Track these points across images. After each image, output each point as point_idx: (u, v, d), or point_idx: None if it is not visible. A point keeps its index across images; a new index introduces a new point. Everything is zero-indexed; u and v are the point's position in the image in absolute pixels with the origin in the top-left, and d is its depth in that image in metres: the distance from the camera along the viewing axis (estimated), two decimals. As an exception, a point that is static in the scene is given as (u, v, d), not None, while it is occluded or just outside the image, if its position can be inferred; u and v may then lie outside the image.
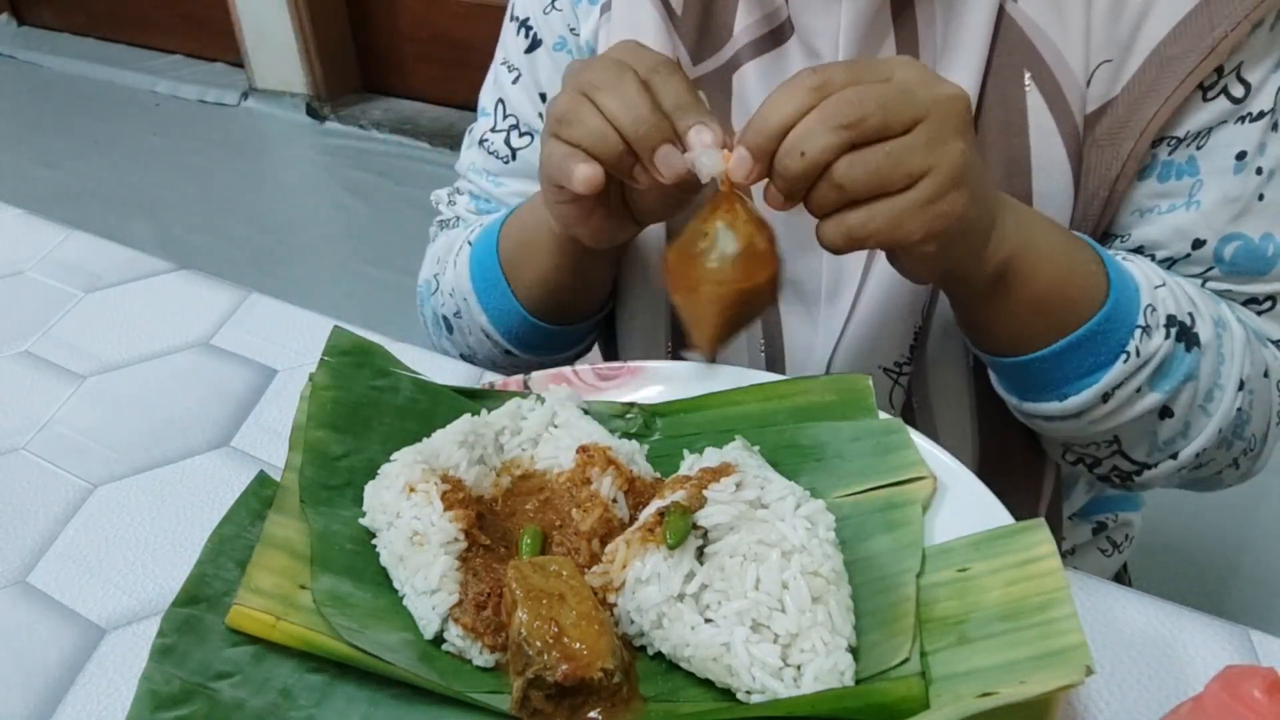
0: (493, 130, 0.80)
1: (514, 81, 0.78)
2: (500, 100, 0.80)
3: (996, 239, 0.55)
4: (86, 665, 0.52)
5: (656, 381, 0.62)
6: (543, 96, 0.77)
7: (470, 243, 0.75)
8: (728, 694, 0.46)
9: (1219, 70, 0.59)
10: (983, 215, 0.54)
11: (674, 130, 0.53)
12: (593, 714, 0.44)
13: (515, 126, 0.79)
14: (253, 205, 2.79)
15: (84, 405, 0.71)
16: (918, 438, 0.55)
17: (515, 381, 0.63)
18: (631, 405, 0.61)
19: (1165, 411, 0.61)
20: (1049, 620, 0.44)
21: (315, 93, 3.16)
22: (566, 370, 0.63)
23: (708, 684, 0.46)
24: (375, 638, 0.47)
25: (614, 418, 0.60)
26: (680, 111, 0.53)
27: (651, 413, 0.60)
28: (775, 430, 0.57)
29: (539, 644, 0.44)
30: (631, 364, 0.63)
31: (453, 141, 2.92)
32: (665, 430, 0.60)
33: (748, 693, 0.44)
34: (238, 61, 3.31)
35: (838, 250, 0.52)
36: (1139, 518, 0.88)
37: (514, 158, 0.80)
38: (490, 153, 0.81)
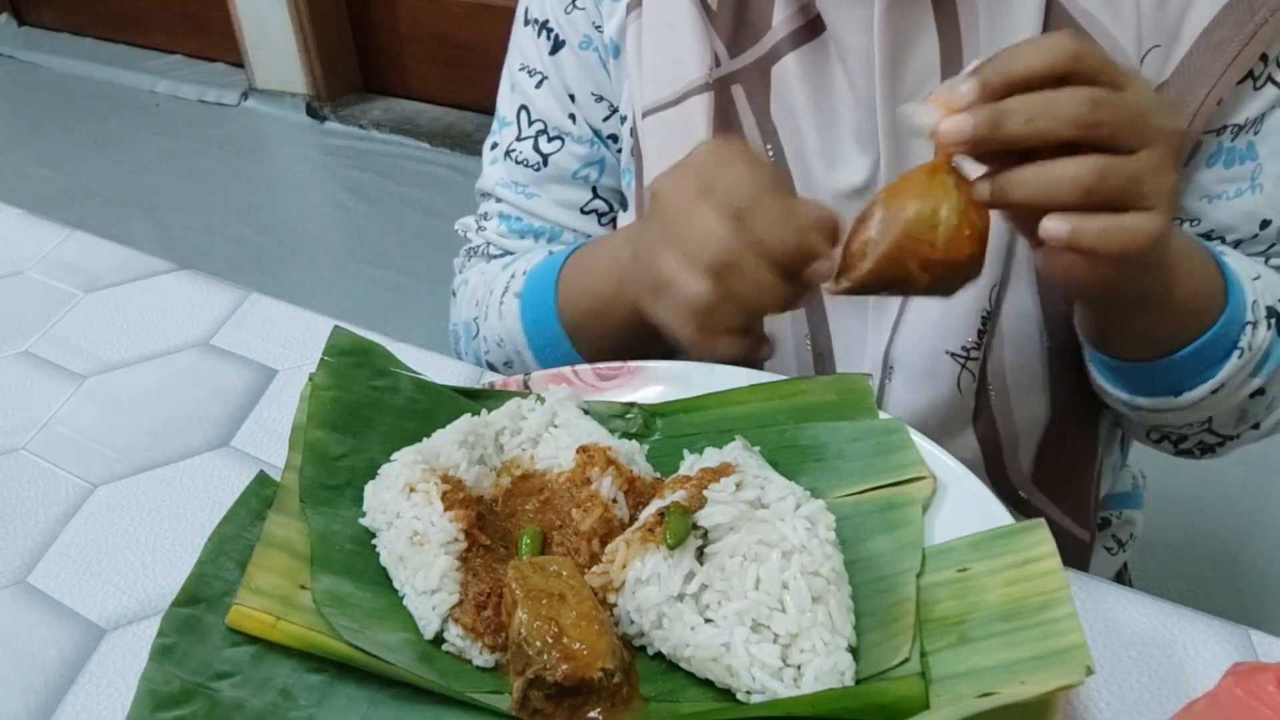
0: (518, 139, 0.79)
1: (538, 86, 0.77)
2: (523, 107, 0.78)
3: (1163, 258, 0.54)
4: (86, 665, 0.52)
5: (656, 381, 0.62)
6: (572, 98, 0.76)
7: (519, 295, 0.74)
8: (728, 694, 0.46)
9: (1264, 59, 0.61)
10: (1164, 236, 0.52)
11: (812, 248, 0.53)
12: (593, 714, 0.44)
13: (543, 132, 0.78)
14: (253, 205, 2.79)
15: (84, 405, 0.71)
16: (918, 438, 0.55)
17: (515, 381, 0.63)
18: (631, 405, 0.61)
19: (1259, 392, 0.64)
20: (1049, 620, 0.44)
21: (315, 93, 3.16)
22: (566, 370, 0.63)
23: (708, 684, 0.46)
24: (375, 638, 0.47)
25: (614, 418, 0.60)
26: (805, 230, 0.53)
27: (651, 413, 0.60)
28: (775, 430, 0.57)
29: (539, 644, 0.44)
30: (631, 364, 0.63)
31: (453, 141, 2.92)
32: (665, 430, 0.60)
33: (748, 693, 0.44)
34: (238, 61, 3.31)
35: (1037, 241, 0.50)
36: (1141, 516, 0.88)
37: (545, 163, 0.78)
38: (519, 162, 0.79)
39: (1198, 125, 0.62)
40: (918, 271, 0.50)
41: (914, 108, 0.49)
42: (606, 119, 0.77)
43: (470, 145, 2.88)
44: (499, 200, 0.82)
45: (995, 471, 0.73)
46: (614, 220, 0.81)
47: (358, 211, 2.72)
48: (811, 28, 0.66)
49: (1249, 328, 0.60)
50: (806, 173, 0.68)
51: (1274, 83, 0.62)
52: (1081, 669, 0.39)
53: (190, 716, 0.45)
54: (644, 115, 0.71)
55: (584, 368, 0.63)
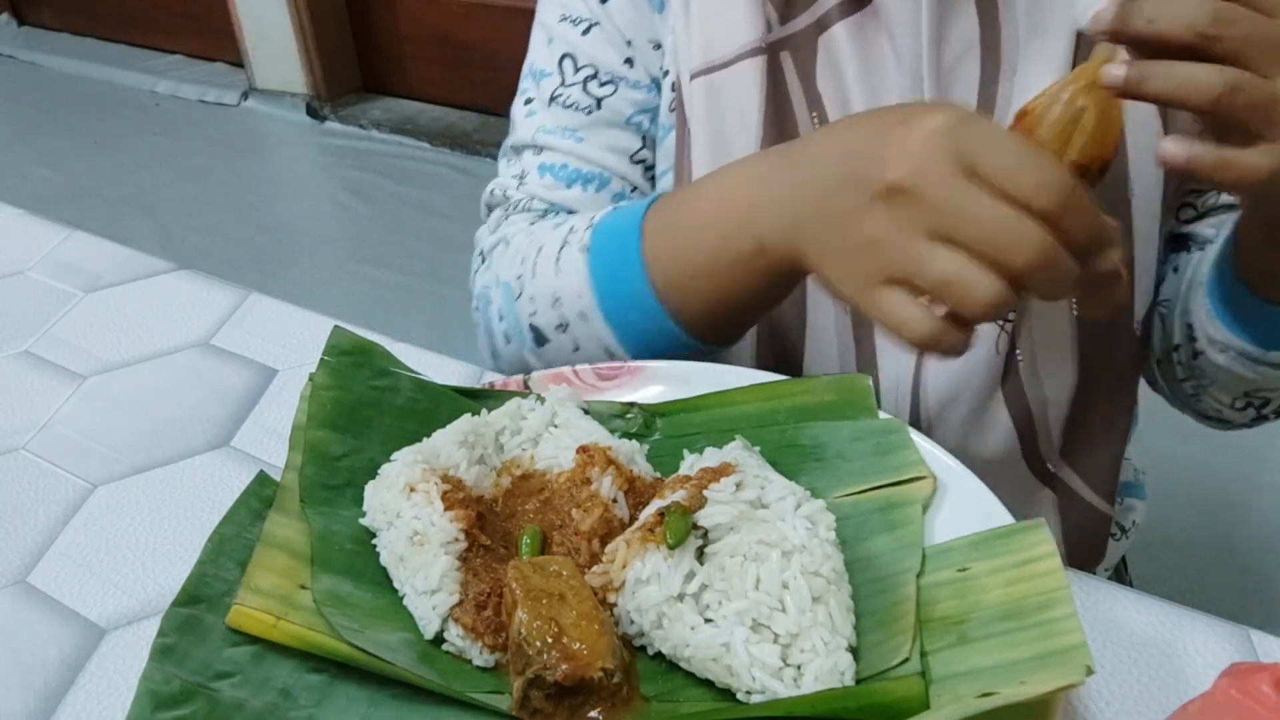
0: (563, 85, 0.75)
1: (585, 32, 0.74)
2: (566, 55, 0.75)
3: None
4: (86, 665, 0.52)
5: (656, 381, 0.62)
6: (629, 44, 0.74)
7: (586, 250, 0.66)
8: (728, 694, 0.46)
9: None
10: None
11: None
12: (593, 714, 0.44)
13: (593, 77, 0.74)
14: (253, 205, 2.79)
15: (84, 405, 0.71)
16: (918, 437, 0.55)
17: (515, 381, 0.63)
18: (631, 405, 0.61)
19: None
20: (1049, 620, 0.44)
21: (315, 93, 3.16)
22: (566, 370, 0.63)
23: (708, 684, 0.46)
24: (375, 638, 0.47)
25: (614, 418, 0.60)
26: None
27: (651, 413, 0.60)
28: (775, 430, 0.57)
29: (539, 644, 0.44)
30: (631, 364, 0.63)
31: (452, 141, 2.92)
32: (665, 430, 0.60)
33: (748, 693, 0.44)
34: (238, 61, 3.31)
35: (1178, 171, 0.48)
36: (1143, 506, 0.88)
37: (599, 106, 0.74)
38: (568, 106, 0.75)
39: None
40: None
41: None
42: (658, 50, 0.74)
43: (470, 145, 2.88)
44: (540, 151, 0.76)
45: (1027, 444, 0.72)
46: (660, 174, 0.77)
47: (358, 211, 2.73)
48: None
49: None
50: None
51: None
52: (1081, 669, 0.39)
53: (190, 716, 0.45)
54: (691, 77, 0.70)
55: (584, 368, 0.63)
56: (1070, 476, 0.74)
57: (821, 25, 0.67)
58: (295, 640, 0.47)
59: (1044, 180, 0.45)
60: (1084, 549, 0.77)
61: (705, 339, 0.64)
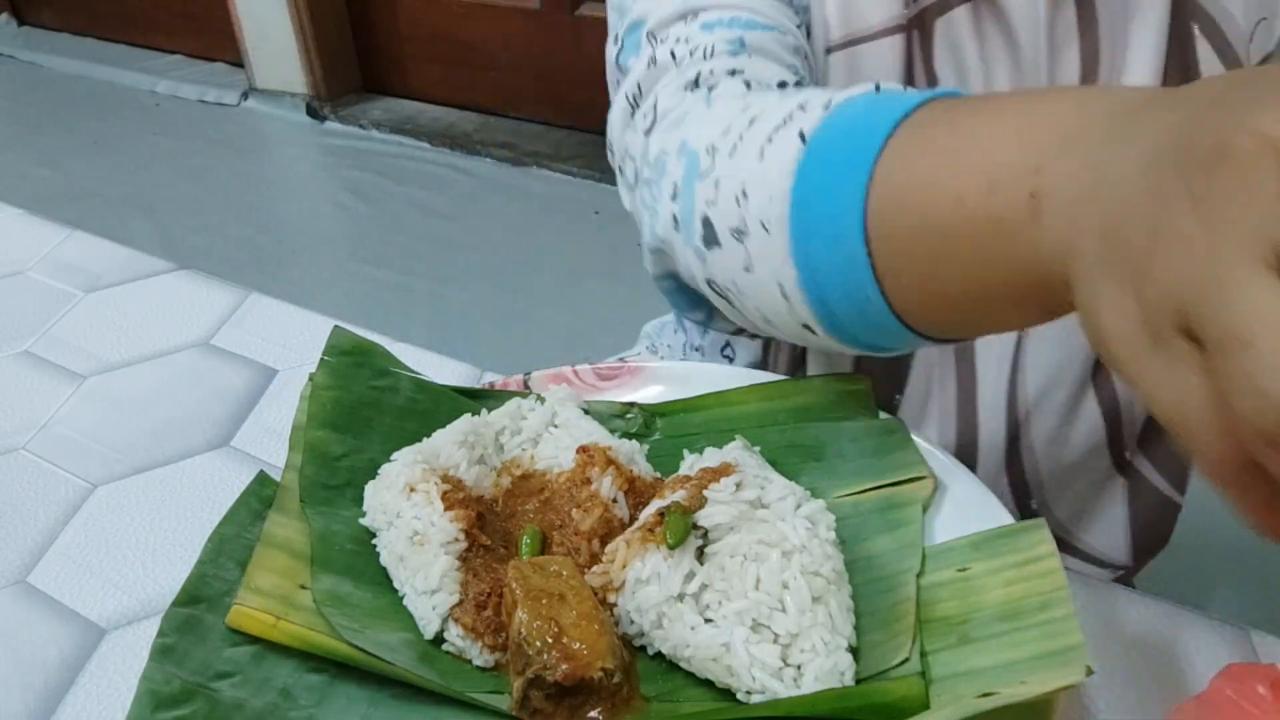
0: None
1: None
2: None
3: None
4: (86, 665, 0.52)
5: (656, 381, 0.62)
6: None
7: (804, 137, 0.45)
8: (728, 694, 0.46)
9: None
10: None
11: None
12: (593, 714, 0.44)
13: None
14: (253, 205, 2.79)
15: (84, 405, 0.71)
16: (918, 438, 0.55)
17: (515, 381, 0.63)
18: (631, 405, 0.61)
19: None
20: (1049, 620, 0.44)
21: (315, 93, 3.16)
22: (566, 370, 0.63)
23: (708, 684, 0.46)
24: (375, 638, 0.47)
25: (614, 418, 0.60)
26: None
27: (651, 413, 0.60)
28: (775, 430, 0.57)
29: (539, 644, 0.44)
30: (632, 364, 0.63)
31: (452, 141, 2.92)
32: (665, 430, 0.60)
33: (748, 693, 0.44)
34: (238, 61, 3.31)
35: None
36: None
37: None
38: None
39: None
40: None
41: None
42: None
43: (470, 145, 2.88)
44: (695, 15, 0.58)
45: (1113, 434, 0.72)
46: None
47: (358, 211, 2.72)
48: None
49: None
50: None
51: None
52: (1081, 669, 0.39)
53: (190, 716, 0.45)
54: (828, 51, 0.63)
55: (584, 368, 0.63)
56: (1144, 465, 0.74)
57: (943, 6, 0.65)
58: (295, 640, 0.47)
59: None
60: (1149, 537, 0.77)
61: (916, 324, 0.45)
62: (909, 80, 0.65)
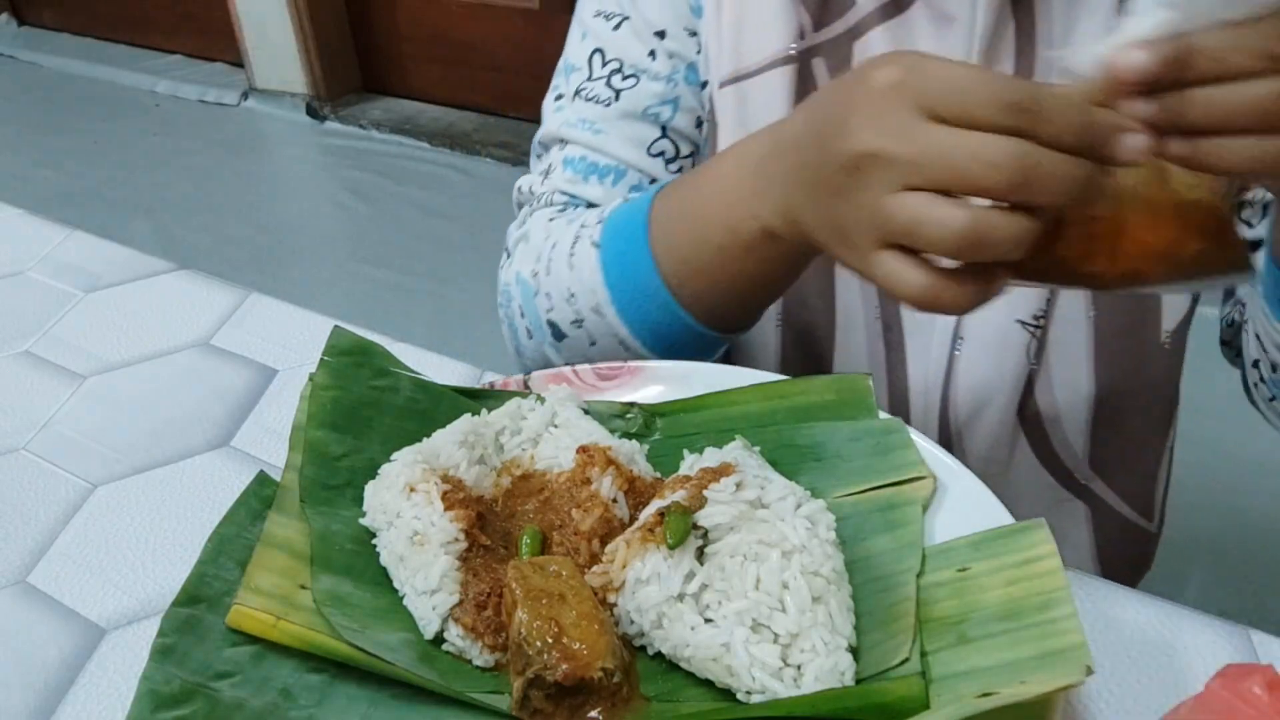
0: (589, 80, 0.75)
1: (616, 28, 0.74)
2: (597, 50, 0.75)
3: None
4: (86, 665, 0.52)
5: (656, 381, 0.62)
6: (660, 35, 0.73)
7: (597, 245, 0.65)
8: (728, 694, 0.46)
9: None
10: None
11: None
12: (593, 714, 0.44)
13: (618, 70, 0.74)
14: (253, 205, 2.79)
15: (84, 405, 0.71)
16: (918, 438, 0.55)
17: (515, 381, 0.63)
18: (631, 405, 0.61)
19: None
20: (1049, 620, 0.44)
21: (315, 93, 3.16)
22: (566, 370, 0.63)
23: (708, 684, 0.46)
24: (375, 638, 0.47)
25: (614, 418, 0.60)
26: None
27: (651, 413, 0.60)
28: (775, 430, 0.57)
29: (539, 644, 0.44)
30: (632, 364, 0.63)
31: (452, 141, 2.92)
32: (665, 430, 0.60)
33: (748, 693, 0.44)
34: (238, 61, 3.31)
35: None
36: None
37: (617, 98, 0.73)
38: (589, 100, 0.75)
39: None
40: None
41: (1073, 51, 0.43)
42: (700, 53, 0.74)
43: (470, 145, 2.89)
44: (564, 145, 0.76)
45: (1042, 449, 0.72)
46: (681, 166, 0.76)
47: (358, 211, 2.73)
48: (898, 3, 0.66)
49: None
50: None
51: None
52: (1081, 669, 0.39)
53: (190, 716, 0.45)
54: (720, 85, 0.70)
55: (584, 368, 0.63)
56: (1104, 490, 0.74)
57: (856, 32, 0.67)
58: (295, 640, 0.47)
59: (1000, 92, 0.42)
60: (1121, 563, 0.77)
61: (719, 327, 0.63)
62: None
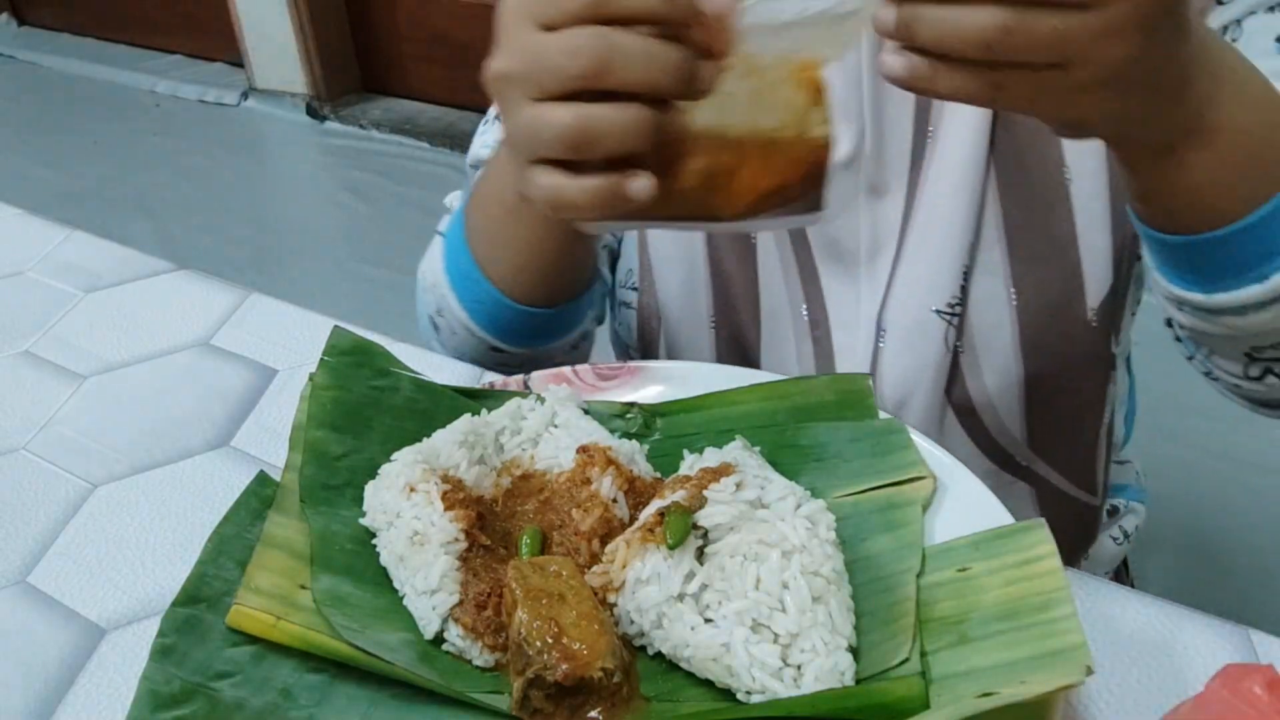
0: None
1: None
2: None
3: (1186, 85, 0.45)
4: (86, 665, 0.52)
5: (656, 381, 0.62)
6: None
7: (442, 234, 0.72)
8: (728, 694, 0.46)
9: None
10: (1168, 62, 0.44)
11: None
12: (593, 714, 0.44)
13: None
14: (253, 205, 2.79)
15: (84, 405, 0.71)
16: (918, 437, 0.55)
17: (515, 381, 0.63)
18: (631, 405, 0.61)
19: None
20: (1049, 620, 0.44)
21: (315, 93, 3.16)
22: (566, 370, 0.63)
23: (708, 684, 0.46)
24: (375, 638, 0.47)
25: (614, 418, 0.60)
26: None
27: (651, 413, 0.60)
28: (775, 430, 0.57)
29: (539, 644, 0.44)
30: (632, 364, 0.64)
31: (452, 141, 2.92)
32: (665, 430, 0.60)
33: (748, 693, 0.44)
34: (238, 61, 3.31)
35: (901, 85, 0.44)
36: (1145, 511, 0.88)
37: None
38: (492, 119, 0.79)
39: None
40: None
41: None
42: None
43: (470, 145, 2.88)
44: (478, 167, 0.78)
45: (980, 436, 0.72)
46: None
47: (358, 211, 2.73)
48: None
49: None
50: None
51: None
52: (1081, 669, 0.39)
53: (190, 716, 0.45)
54: None
55: (584, 367, 0.63)
56: (1046, 470, 0.74)
57: None
58: (295, 640, 0.47)
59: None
60: (1069, 539, 0.77)
61: (528, 301, 0.67)
62: None
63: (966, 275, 0.67)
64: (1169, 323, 0.65)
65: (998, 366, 0.70)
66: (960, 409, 0.71)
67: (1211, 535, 1.64)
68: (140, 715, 0.44)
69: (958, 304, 0.68)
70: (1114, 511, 0.85)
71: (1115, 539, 0.85)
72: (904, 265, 0.68)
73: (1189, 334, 0.62)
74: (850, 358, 0.71)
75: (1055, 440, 0.73)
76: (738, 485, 0.49)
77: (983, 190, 0.66)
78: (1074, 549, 0.79)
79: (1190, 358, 0.67)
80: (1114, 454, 0.82)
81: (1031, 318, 0.68)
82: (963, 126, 0.66)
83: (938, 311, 0.68)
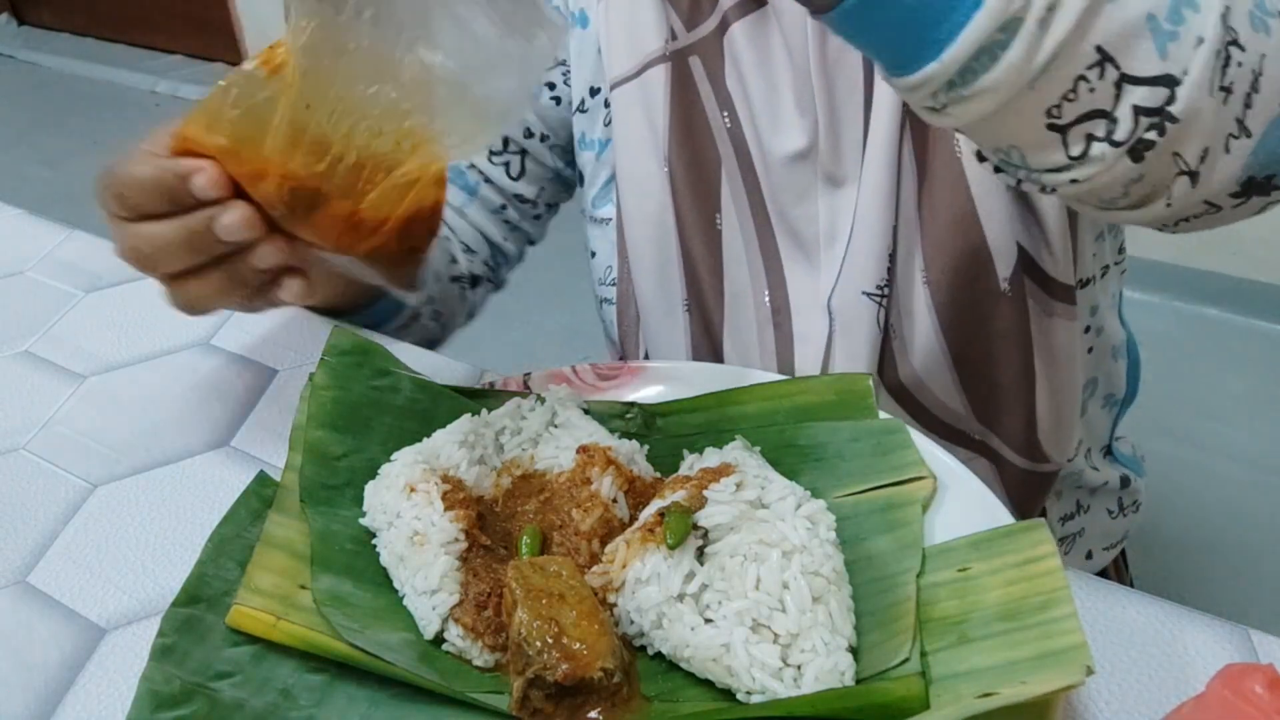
0: None
1: None
2: None
3: None
4: (86, 665, 0.52)
5: (656, 381, 0.62)
6: (550, 85, 0.81)
7: None
8: (728, 694, 0.46)
9: None
10: None
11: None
12: (593, 714, 0.44)
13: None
14: (253, 205, 2.78)
15: (84, 405, 0.71)
16: (918, 438, 0.55)
17: (515, 381, 0.63)
18: (631, 405, 0.61)
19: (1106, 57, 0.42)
20: (1049, 620, 0.44)
21: (315, 93, 3.16)
22: (566, 370, 0.63)
23: (708, 684, 0.46)
24: (375, 638, 0.47)
25: (614, 418, 0.60)
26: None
27: (651, 413, 0.60)
28: (775, 430, 0.57)
29: (539, 644, 0.44)
30: (632, 364, 0.64)
31: (453, 141, 2.91)
32: (665, 430, 0.60)
33: (748, 693, 0.44)
34: (237, 61, 3.30)
35: None
36: (1143, 484, 0.88)
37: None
38: None
39: None
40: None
41: None
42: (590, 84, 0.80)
43: (470, 145, 2.88)
44: None
45: (922, 416, 0.74)
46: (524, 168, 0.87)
47: (358, 211, 2.72)
48: None
49: None
50: (757, 139, 0.71)
51: None
52: (1082, 669, 0.39)
53: (190, 716, 0.45)
54: (611, 87, 0.75)
55: (584, 367, 0.63)
56: (997, 443, 0.75)
57: (723, 27, 0.71)
58: (295, 640, 0.47)
59: (105, 183, 0.63)
60: (1025, 511, 0.78)
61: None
62: (681, 105, 0.73)
63: (892, 258, 0.69)
64: (979, 155, 0.66)
65: (923, 346, 0.71)
66: (899, 394, 0.73)
67: (1211, 535, 1.64)
68: (140, 715, 0.44)
69: (885, 285, 0.70)
70: (1125, 481, 0.86)
71: (1110, 511, 0.85)
72: (849, 253, 0.70)
73: (972, 142, 0.56)
74: (806, 343, 0.73)
75: (1000, 411, 0.75)
76: (738, 485, 0.49)
77: (898, 174, 0.68)
78: (1028, 514, 0.79)
79: (1019, 182, 0.62)
80: (1117, 411, 0.84)
81: (944, 294, 0.69)
82: (884, 112, 0.68)
83: (867, 294, 0.70)
